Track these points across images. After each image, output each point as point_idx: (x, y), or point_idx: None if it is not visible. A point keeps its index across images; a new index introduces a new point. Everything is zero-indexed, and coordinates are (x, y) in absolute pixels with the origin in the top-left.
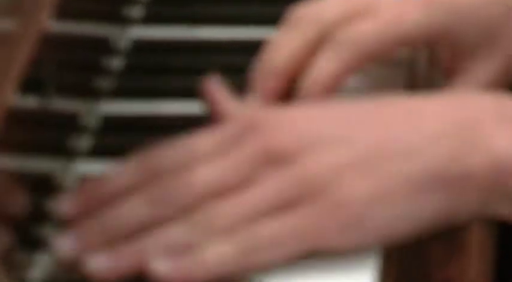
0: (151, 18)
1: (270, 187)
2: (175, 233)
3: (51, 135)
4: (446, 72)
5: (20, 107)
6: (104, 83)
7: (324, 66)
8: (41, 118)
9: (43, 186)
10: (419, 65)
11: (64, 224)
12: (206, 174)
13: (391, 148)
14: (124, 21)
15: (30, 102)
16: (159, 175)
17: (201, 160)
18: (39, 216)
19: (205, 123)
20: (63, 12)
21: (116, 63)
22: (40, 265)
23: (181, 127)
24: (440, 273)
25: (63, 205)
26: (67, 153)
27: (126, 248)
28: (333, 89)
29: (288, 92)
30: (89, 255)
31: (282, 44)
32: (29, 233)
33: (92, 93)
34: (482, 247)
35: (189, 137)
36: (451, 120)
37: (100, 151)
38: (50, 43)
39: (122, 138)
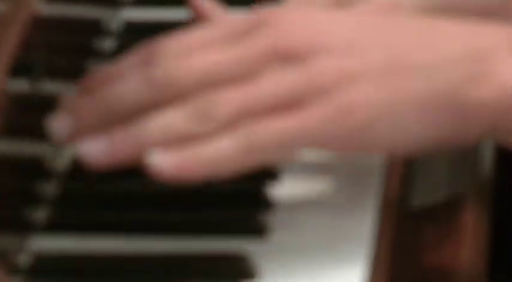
0: (142, 0)
1: (276, 83)
2: (174, 118)
3: (43, 118)
4: None
5: (10, 91)
6: (96, 65)
7: None
8: (32, 102)
9: (34, 170)
10: None
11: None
12: (210, 60)
13: (405, 63)
14: (115, 2)
15: (21, 85)
16: (160, 58)
17: (206, 47)
18: (30, 200)
19: None
20: None
21: (108, 44)
22: (31, 249)
23: None
24: (432, 257)
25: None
26: None
27: (122, 133)
28: None
29: None
30: (85, 139)
31: None
32: (20, 217)
33: (83, 76)
34: (475, 231)
35: (195, 27)
36: (466, 46)
37: None
38: (41, 26)
39: None
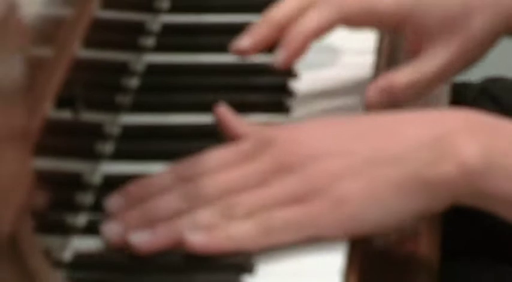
0: (161, 47)
1: (283, 186)
2: (204, 215)
3: (81, 141)
4: (410, 52)
5: (56, 119)
6: (124, 98)
7: (310, 20)
8: (73, 128)
9: (74, 183)
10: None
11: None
12: (230, 177)
13: (379, 157)
14: (139, 48)
15: (65, 115)
16: (191, 177)
17: (224, 167)
18: (71, 207)
19: (207, 132)
20: (91, 42)
21: (133, 83)
22: (72, 248)
23: (186, 135)
24: (399, 249)
25: (112, 200)
26: (94, 156)
27: (163, 226)
28: (314, 40)
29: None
30: (133, 234)
31: (282, 3)
32: (63, 222)
33: (114, 107)
34: (431, 227)
35: (216, 149)
36: (428, 134)
37: (120, 155)
38: (80, 67)
39: (138, 144)
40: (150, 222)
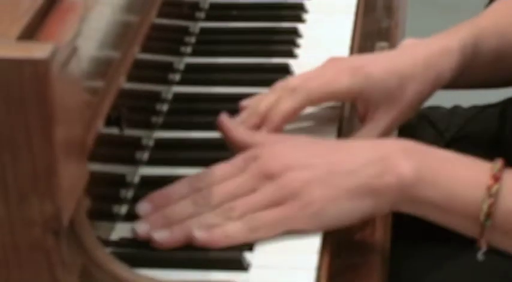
0: (185, 81)
1: (265, 192)
2: (208, 217)
3: (124, 150)
4: (360, 118)
5: (105, 134)
6: (157, 119)
7: (284, 105)
8: (118, 140)
9: (119, 182)
10: (345, 111)
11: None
12: (227, 187)
13: (338, 171)
14: (169, 82)
15: (112, 130)
16: (199, 187)
17: (224, 178)
18: (116, 200)
19: (219, 144)
20: (132, 77)
21: (164, 107)
22: (117, 232)
23: (204, 147)
24: (360, 234)
25: (141, 205)
26: (134, 162)
27: (177, 227)
28: (289, 119)
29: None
30: (155, 232)
31: (264, 96)
32: (110, 211)
33: (149, 125)
34: (385, 218)
35: (216, 164)
36: (374, 154)
37: (154, 161)
38: (124, 95)
39: (167, 153)
40: (168, 223)
